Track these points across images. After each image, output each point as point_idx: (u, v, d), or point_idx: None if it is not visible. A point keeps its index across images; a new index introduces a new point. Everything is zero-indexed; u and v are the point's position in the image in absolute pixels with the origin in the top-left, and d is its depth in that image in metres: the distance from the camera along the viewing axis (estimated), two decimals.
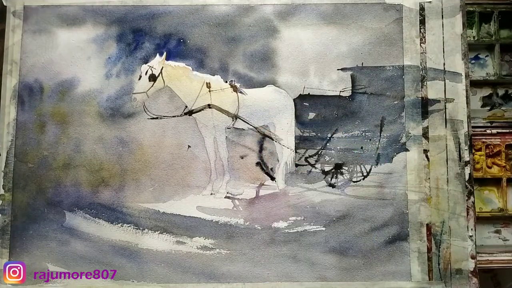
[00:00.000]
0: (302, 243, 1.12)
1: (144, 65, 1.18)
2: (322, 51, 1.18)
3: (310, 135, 1.18)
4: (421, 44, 1.18)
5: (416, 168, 1.14)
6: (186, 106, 1.18)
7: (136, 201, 1.15)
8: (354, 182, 1.16)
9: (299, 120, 1.18)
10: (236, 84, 1.18)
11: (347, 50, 1.18)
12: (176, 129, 1.17)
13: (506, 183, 1.26)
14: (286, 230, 1.14)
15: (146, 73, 1.17)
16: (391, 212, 1.13)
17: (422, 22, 1.18)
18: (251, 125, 1.17)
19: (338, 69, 1.18)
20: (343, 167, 1.16)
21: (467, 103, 1.16)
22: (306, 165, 1.16)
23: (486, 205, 1.26)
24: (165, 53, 1.18)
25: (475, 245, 1.12)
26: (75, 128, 1.17)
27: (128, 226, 1.14)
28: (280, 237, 1.13)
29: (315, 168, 1.16)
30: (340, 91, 1.18)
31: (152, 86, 1.17)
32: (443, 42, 1.18)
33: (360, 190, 1.15)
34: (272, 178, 1.17)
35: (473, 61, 1.32)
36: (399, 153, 1.15)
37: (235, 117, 1.18)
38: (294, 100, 1.18)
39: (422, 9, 1.18)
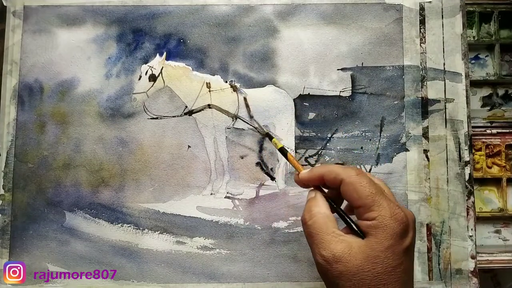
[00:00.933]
0: (302, 243, 1.12)
1: (144, 65, 1.18)
2: (322, 51, 1.18)
3: (310, 135, 1.17)
4: (421, 44, 1.17)
5: (416, 168, 1.14)
6: (186, 106, 1.18)
7: (136, 201, 1.15)
8: None
9: (299, 120, 1.18)
10: (236, 84, 1.17)
11: (347, 50, 1.17)
12: (176, 129, 1.17)
13: (506, 183, 1.25)
14: (286, 230, 1.13)
15: (146, 73, 1.17)
16: None
17: (422, 22, 1.18)
18: (251, 125, 1.17)
19: (338, 69, 1.17)
20: None
21: (467, 103, 1.16)
22: (306, 165, 1.16)
23: (486, 205, 1.26)
24: (165, 53, 1.18)
25: (475, 245, 1.12)
26: (75, 128, 1.17)
27: (128, 226, 1.14)
28: (280, 237, 1.13)
29: None
30: (340, 91, 1.17)
31: (152, 86, 1.17)
32: (443, 42, 1.17)
33: None
34: (272, 178, 1.16)
35: (473, 61, 1.31)
36: (399, 153, 1.15)
37: (235, 117, 1.17)
38: (294, 100, 1.18)
39: (422, 9, 1.18)
